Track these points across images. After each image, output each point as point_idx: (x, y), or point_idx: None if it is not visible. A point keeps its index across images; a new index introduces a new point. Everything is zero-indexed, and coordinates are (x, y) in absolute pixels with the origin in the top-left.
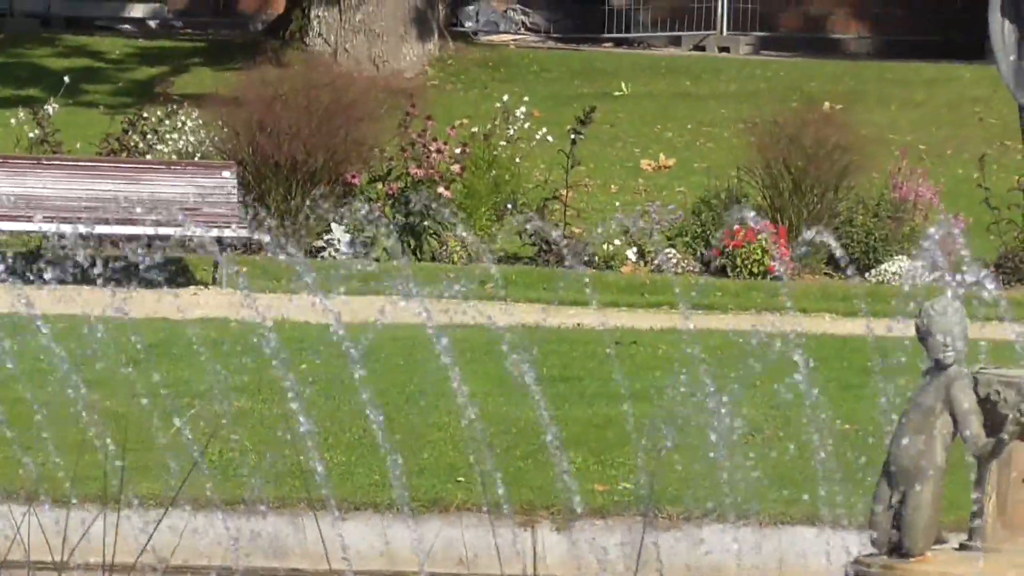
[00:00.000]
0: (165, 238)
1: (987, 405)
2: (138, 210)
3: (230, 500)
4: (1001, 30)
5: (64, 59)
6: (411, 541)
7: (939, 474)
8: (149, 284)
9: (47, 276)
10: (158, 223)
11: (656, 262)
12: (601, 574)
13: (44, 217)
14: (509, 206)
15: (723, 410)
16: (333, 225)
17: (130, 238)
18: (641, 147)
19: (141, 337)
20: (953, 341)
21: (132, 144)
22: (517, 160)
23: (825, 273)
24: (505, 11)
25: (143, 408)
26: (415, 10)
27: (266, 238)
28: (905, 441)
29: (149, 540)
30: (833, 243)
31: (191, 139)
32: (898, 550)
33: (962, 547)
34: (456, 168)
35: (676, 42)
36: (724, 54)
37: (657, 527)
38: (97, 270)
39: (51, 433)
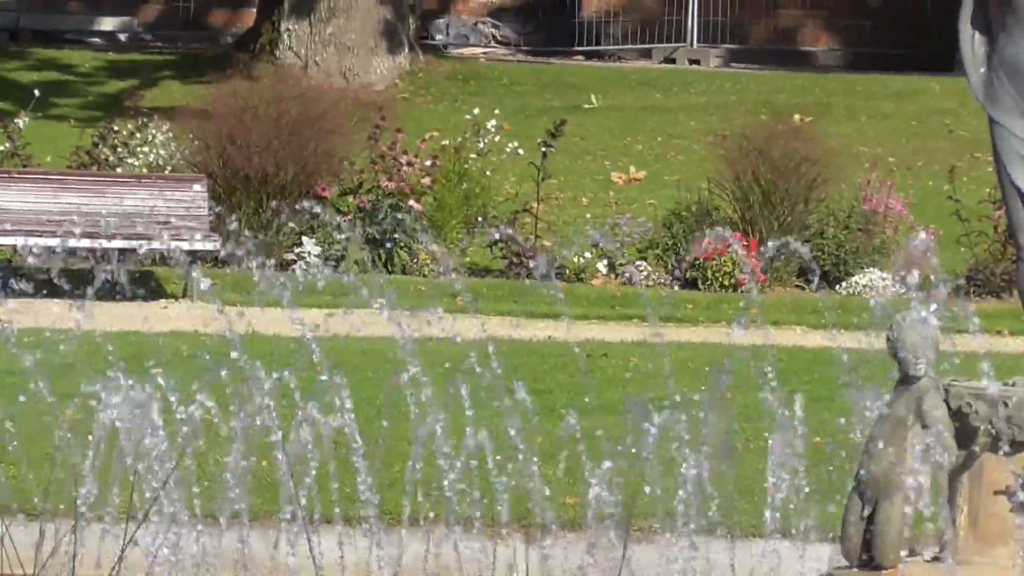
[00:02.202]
0: (135, 251)
1: (958, 417)
2: (108, 223)
3: (197, 514)
4: (971, 42)
5: (34, 72)
6: (380, 555)
7: (910, 486)
8: (119, 297)
9: (15, 289)
10: (128, 236)
11: (627, 275)
12: None
13: (13, 230)
14: (480, 219)
15: (693, 423)
16: (304, 238)
17: (100, 252)
18: (611, 160)
19: (110, 350)
20: (924, 353)
21: (102, 157)
22: (488, 173)
23: (796, 285)
24: (475, 24)
25: (112, 422)
26: (385, 23)
27: (237, 251)
28: (876, 453)
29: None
30: (804, 255)
31: (161, 152)
32: (869, 563)
33: (934, 559)
34: (427, 181)
35: (647, 55)
36: (694, 67)
37: (630, 540)
38: (66, 283)
39: (16, 447)
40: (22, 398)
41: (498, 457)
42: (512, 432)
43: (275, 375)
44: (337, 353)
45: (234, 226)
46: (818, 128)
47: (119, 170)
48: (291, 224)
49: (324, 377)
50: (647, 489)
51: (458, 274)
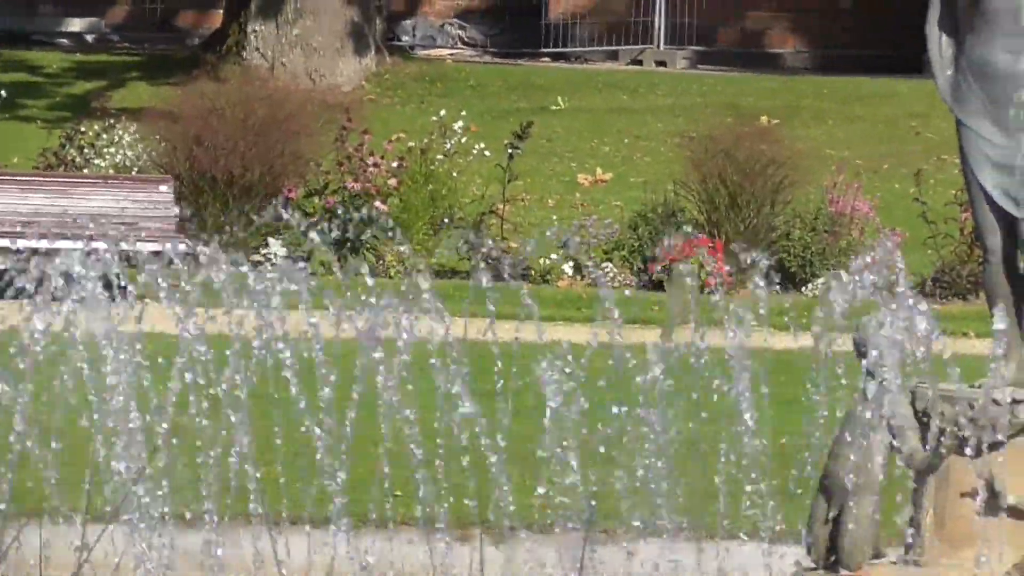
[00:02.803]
0: (101, 252)
1: (924, 419)
2: (74, 224)
3: (165, 515)
4: (938, 44)
5: (0, 73)
6: (347, 556)
7: (876, 488)
8: (84, 299)
9: None
10: (94, 237)
11: (593, 276)
12: None
13: None
14: (446, 220)
15: (660, 424)
16: (270, 239)
17: (66, 252)
18: (578, 161)
19: (74, 352)
20: (890, 356)
21: (69, 158)
22: (454, 174)
23: (761, 287)
24: (442, 25)
25: (78, 424)
26: (352, 24)
27: (203, 252)
28: (842, 455)
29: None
30: (769, 257)
31: (128, 153)
32: (835, 564)
33: (900, 561)
34: (393, 182)
35: (613, 56)
36: (661, 68)
37: (595, 541)
38: (31, 285)
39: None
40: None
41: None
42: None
43: (245, 374)
44: (303, 355)
45: (200, 227)
46: (785, 130)
47: (86, 171)
48: (257, 224)
49: (290, 379)
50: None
51: (424, 275)
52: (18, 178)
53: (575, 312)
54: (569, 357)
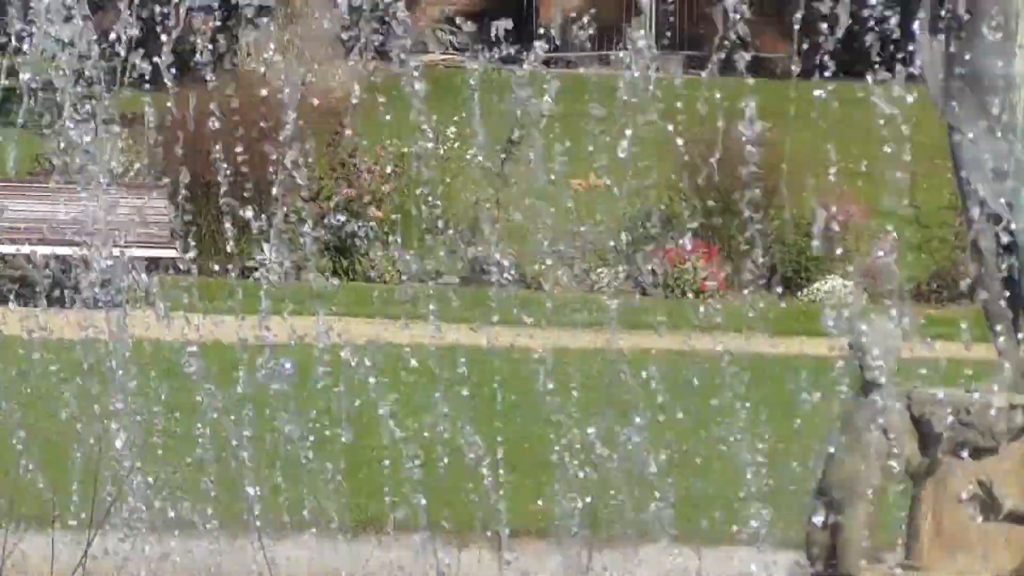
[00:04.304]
0: (94, 259)
1: (921, 424)
2: (67, 231)
3: (163, 523)
4: (929, 48)
5: None
6: (346, 563)
7: (873, 494)
8: (78, 305)
9: None
10: (87, 244)
11: (587, 281)
12: None
13: None
14: (439, 225)
15: (655, 430)
16: (264, 245)
17: (59, 259)
18: (571, 167)
19: (69, 358)
20: (885, 360)
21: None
22: (447, 180)
23: (756, 292)
24: (433, 31)
25: (71, 430)
26: (343, 30)
27: (195, 259)
28: (838, 460)
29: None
30: (762, 262)
31: (121, 160)
32: (834, 571)
33: (897, 567)
34: (386, 188)
35: (605, 61)
36: (653, 73)
37: (594, 547)
38: (24, 291)
39: None
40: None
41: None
42: (472, 439)
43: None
44: (298, 361)
45: (193, 234)
46: (778, 135)
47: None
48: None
49: (286, 386)
50: (602, 497)
51: (417, 280)
52: (12, 184)
53: (569, 317)
54: (568, 362)
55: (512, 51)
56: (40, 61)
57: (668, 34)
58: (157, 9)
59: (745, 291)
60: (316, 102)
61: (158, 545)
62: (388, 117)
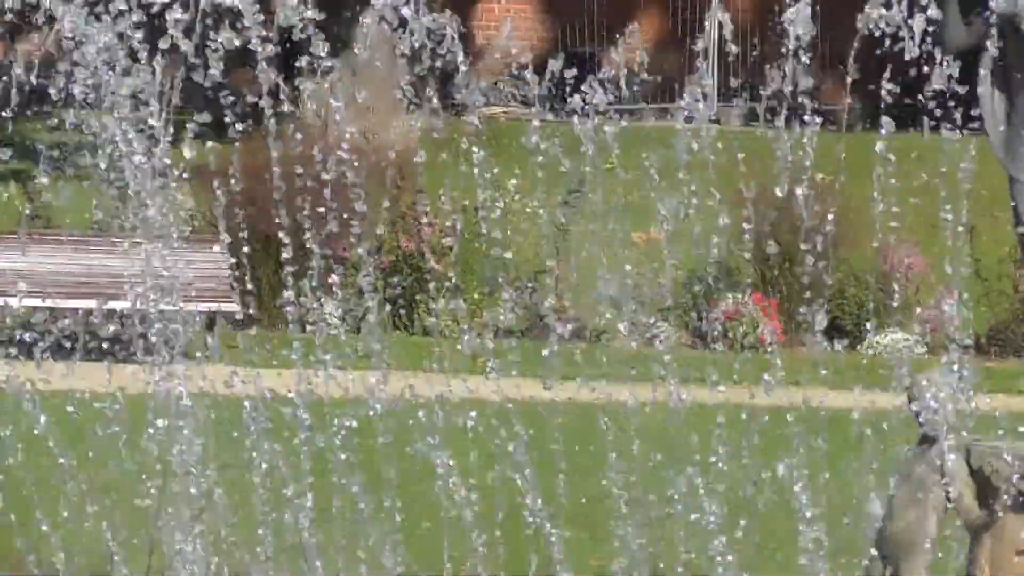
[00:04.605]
0: (157, 312)
1: (980, 477)
2: (128, 284)
3: None
4: (991, 100)
5: (56, 133)
6: None
7: (932, 547)
8: (140, 359)
9: (39, 351)
10: (149, 298)
11: (647, 335)
12: None
13: (35, 292)
14: (500, 279)
15: (715, 484)
16: (324, 299)
17: (121, 313)
18: (632, 219)
19: (135, 412)
20: (945, 413)
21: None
22: (508, 233)
23: (817, 345)
24: (495, 83)
25: (137, 484)
26: (405, 83)
27: (257, 312)
28: (897, 514)
29: None
30: (823, 316)
31: (182, 212)
32: None
33: None
34: (447, 241)
35: (666, 114)
36: (714, 125)
37: None
38: (90, 345)
39: (43, 508)
40: (41, 460)
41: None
42: (532, 493)
43: (301, 434)
44: (358, 415)
45: (254, 287)
46: (839, 187)
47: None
48: (311, 285)
49: (347, 440)
50: (665, 549)
51: (478, 334)
52: (74, 238)
53: (629, 371)
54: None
55: (574, 103)
56: (100, 113)
57: (730, 85)
58: (218, 60)
59: (804, 344)
60: (377, 155)
61: None
62: (449, 169)
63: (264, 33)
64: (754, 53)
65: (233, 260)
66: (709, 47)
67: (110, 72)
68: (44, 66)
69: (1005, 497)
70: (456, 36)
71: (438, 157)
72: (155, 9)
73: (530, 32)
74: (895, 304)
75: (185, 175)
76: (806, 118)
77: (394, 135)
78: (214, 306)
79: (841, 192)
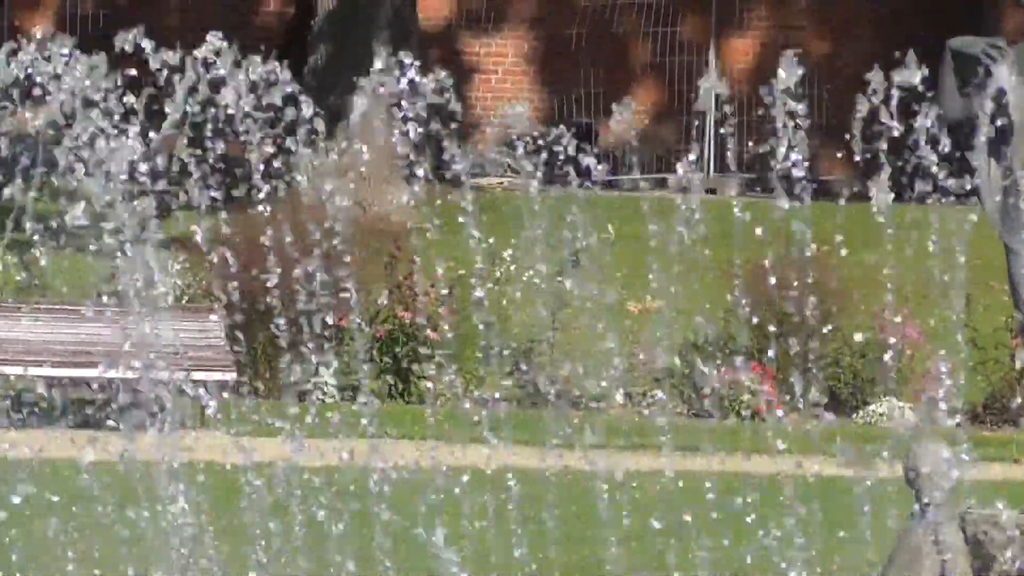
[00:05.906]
0: (151, 382)
1: (975, 545)
2: (123, 354)
3: None
4: (987, 170)
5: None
6: None
7: None
8: (135, 428)
9: (26, 420)
10: (144, 367)
11: (643, 404)
12: None
13: (29, 360)
14: (496, 348)
15: (710, 553)
16: (321, 368)
17: (115, 382)
18: (628, 289)
19: (129, 481)
20: (940, 482)
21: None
22: (504, 302)
23: (812, 415)
24: (492, 153)
25: (134, 554)
26: (401, 152)
27: (252, 382)
28: None
29: None
30: (819, 385)
31: (177, 282)
32: None
33: None
34: (443, 311)
35: (663, 184)
36: (710, 196)
37: None
38: (83, 414)
39: None
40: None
41: None
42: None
43: (298, 503)
44: (358, 485)
45: (250, 357)
46: (834, 258)
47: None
48: (310, 352)
49: (345, 509)
50: None
51: (474, 403)
52: (67, 307)
53: (626, 440)
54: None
55: (571, 174)
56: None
57: (727, 155)
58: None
59: (799, 414)
60: (373, 225)
61: None
62: (445, 240)
63: (259, 114)
64: (751, 121)
65: (228, 327)
66: (706, 117)
67: (107, 142)
68: (43, 139)
69: (1000, 566)
70: (453, 95)
71: (435, 227)
72: (151, 91)
73: (527, 103)
74: (891, 374)
75: (178, 247)
76: (800, 189)
77: (390, 205)
78: (212, 376)
79: (838, 263)
